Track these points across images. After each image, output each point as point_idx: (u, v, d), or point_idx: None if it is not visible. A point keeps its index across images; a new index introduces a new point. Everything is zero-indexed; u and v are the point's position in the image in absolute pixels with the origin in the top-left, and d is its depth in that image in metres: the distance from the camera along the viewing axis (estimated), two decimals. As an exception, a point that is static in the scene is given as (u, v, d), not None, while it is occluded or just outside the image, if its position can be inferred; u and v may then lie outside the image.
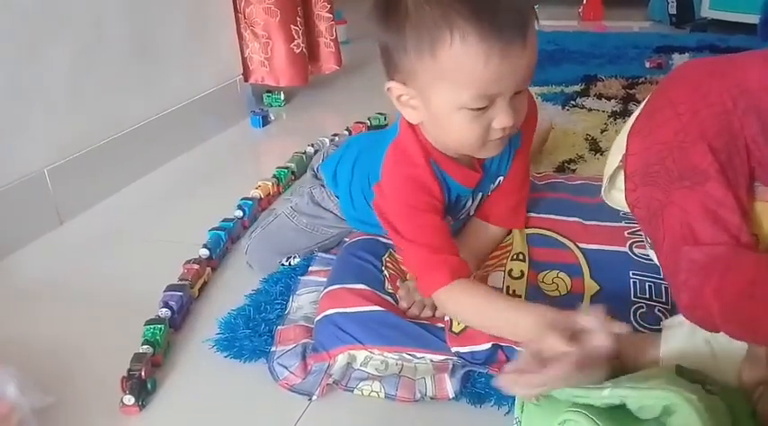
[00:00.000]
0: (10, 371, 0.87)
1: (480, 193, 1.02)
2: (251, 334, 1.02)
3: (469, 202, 1.02)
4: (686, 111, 0.75)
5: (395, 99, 0.87)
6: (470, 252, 1.02)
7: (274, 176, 1.50)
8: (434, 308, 0.99)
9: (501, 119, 0.81)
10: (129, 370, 0.92)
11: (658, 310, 0.89)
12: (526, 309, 0.81)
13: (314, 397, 0.91)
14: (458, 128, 0.83)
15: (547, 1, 3.48)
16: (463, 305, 0.88)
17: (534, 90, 2.08)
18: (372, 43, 0.88)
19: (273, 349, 0.98)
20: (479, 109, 0.80)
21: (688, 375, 0.73)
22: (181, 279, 1.13)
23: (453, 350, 0.93)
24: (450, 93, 0.79)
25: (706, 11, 2.85)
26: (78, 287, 1.21)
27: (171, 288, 1.10)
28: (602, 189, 0.94)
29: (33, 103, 1.36)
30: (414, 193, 0.91)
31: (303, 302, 1.08)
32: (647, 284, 0.92)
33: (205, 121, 1.85)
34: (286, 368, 0.94)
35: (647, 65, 2.30)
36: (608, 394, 0.69)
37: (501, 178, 1.01)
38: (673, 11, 2.96)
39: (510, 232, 1.07)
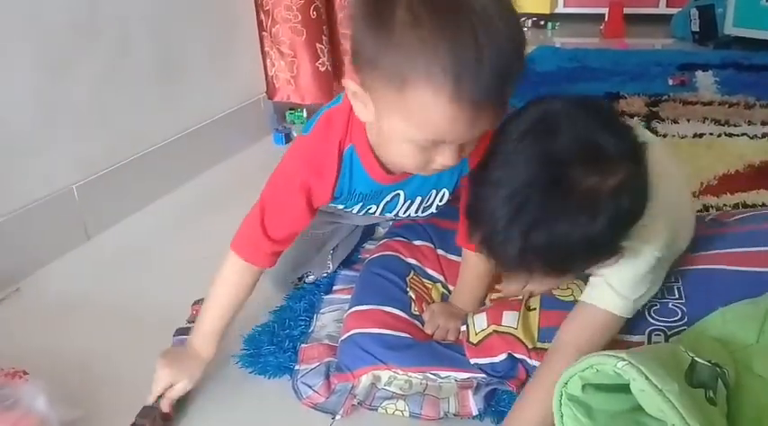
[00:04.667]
0: (39, 384, 0.88)
1: (419, 197, 0.97)
2: (275, 350, 1.03)
3: (401, 201, 0.97)
4: None
5: (350, 92, 0.79)
6: (465, 288, 1.05)
7: (297, 193, 1.51)
8: (458, 333, 1.00)
9: (445, 159, 0.77)
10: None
11: (672, 305, 0.89)
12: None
13: (338, 417, 0.91)
14: (400, 155, 0.79)
15: (569, 18, 3.51)
16: (220, 274, 0.97)
17: (556, 108, 2.07)
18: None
19: (297, 367, 0.99)
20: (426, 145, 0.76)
21: (698, 376, 0.72)
22: (189, 322, 1.08)
23: (472, 361, 0.94)
24: (403, 126, 0.73)
25: (729, 28, 2.84)
26: (105, 301, 1.22)
27: (180, 331, 1.06)
28: None
29: (61, 121, 1.38)
30: (304, 165, 0.89)
31: (327, 321, 1.09)
32: None
33: (229, 139, 1.87)
34: (310, 387, 0.95)
35: (671, 82, 2.29)
36: (621, 367, 0.70)
37: (446, 192, 0.97)
38: (695, 28, 2.95)
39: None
